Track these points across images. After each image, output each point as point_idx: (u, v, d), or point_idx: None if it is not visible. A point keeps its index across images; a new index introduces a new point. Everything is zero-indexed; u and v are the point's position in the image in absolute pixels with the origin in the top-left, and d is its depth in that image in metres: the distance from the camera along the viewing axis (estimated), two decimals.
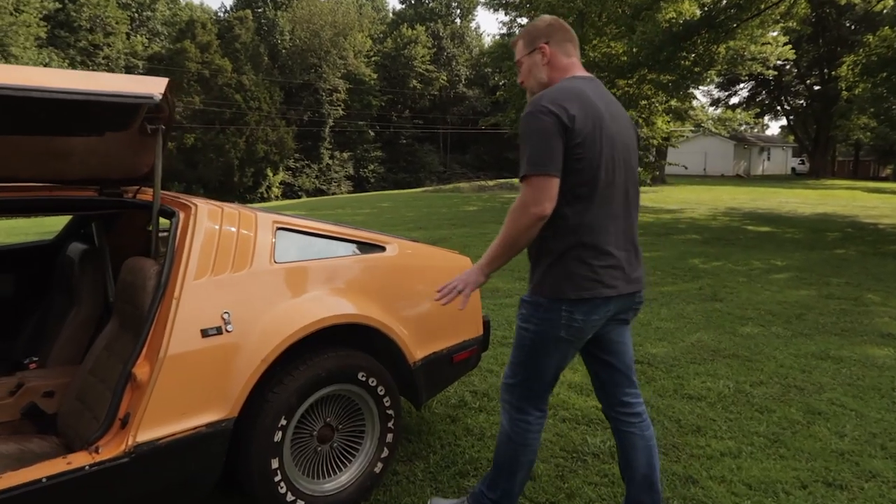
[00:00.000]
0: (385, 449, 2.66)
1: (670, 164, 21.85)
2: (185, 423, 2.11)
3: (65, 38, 38.26)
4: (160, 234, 2.58)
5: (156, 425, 2.05)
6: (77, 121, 1.81)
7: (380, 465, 2.65)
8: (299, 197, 41.62)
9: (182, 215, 2.35)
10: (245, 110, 39.49)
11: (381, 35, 54.85)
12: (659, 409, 3.59)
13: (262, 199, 39.77)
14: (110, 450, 2.00)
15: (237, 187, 39.48)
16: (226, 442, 2.19)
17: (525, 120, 2.05)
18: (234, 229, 2.38)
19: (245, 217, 2.44)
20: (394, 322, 2.64)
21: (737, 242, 10.89)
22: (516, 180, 2.81)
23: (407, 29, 52.33)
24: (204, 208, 2.37)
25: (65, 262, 2.99)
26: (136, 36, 43.56)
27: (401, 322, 2.67)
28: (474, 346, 3.11)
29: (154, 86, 1.83)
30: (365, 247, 2.72)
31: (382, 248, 2.76)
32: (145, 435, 2.03)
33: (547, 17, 2.30)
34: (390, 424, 2.66)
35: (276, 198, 41.22)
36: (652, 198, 21.14)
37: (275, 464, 2.33)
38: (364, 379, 2.53)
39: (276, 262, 2.40)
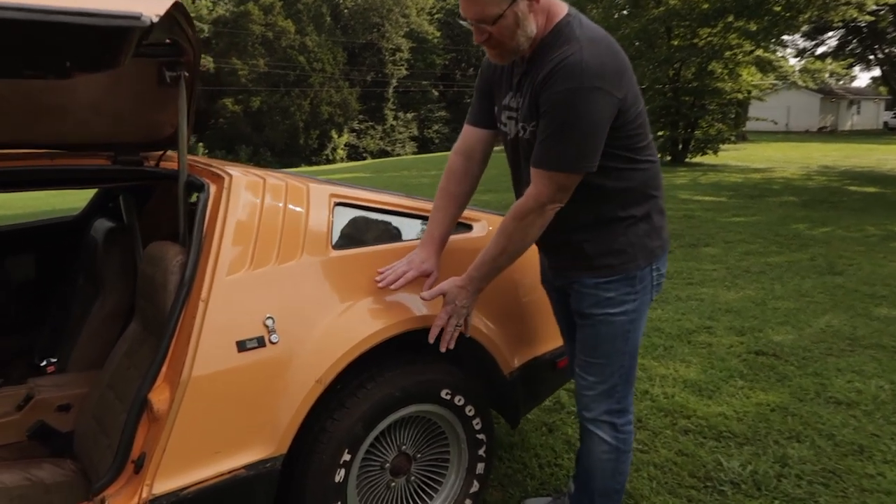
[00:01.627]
0: (475, 482, 2.10)
1: (757, 119, 20.23)
2: (218, 466, 1.59)
3: None
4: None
5: (179, 469, 1.54)
6: (25, 54, 1.26)
7: (468, 502, 2.10)
8: (364, 159, 41.37)
9: (213, 188, 1.80)
10: (309, 72, 39.27)
11: None
12: (804, 419, 2.91)
13: (328, 162, 39.71)
14: (120, 503, 1.51)
15: (303, 150, 39.51)
16: (272, 487, 1.67)
17: (572, 96, 1.56)
18: (280, 205, 1.82)
19: (294, 189, 1.88)
20: (485, 323, 2.05)
21: (841, 205, 9.81)
22: None
23: None
24: (241, 179, 1.82)
25: (89, 242, 2.52)
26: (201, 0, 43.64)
27: (494, 322, 2.09)
28: None
29: (148, 4, 1.25)
30: None
31: (468, 227, 2.16)
32: (166, 483, 1.52)
33: None
34: (481, 452, 2.10)
35: (342, 160, 41.07)
36: (735, 156, 19.79)
37: None
38: (448, 397, 1.97)
39: (334, 248, 1.84)
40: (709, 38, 16.55)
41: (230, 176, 1.82)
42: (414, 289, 1.90)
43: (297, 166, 32.12)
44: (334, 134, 41.53)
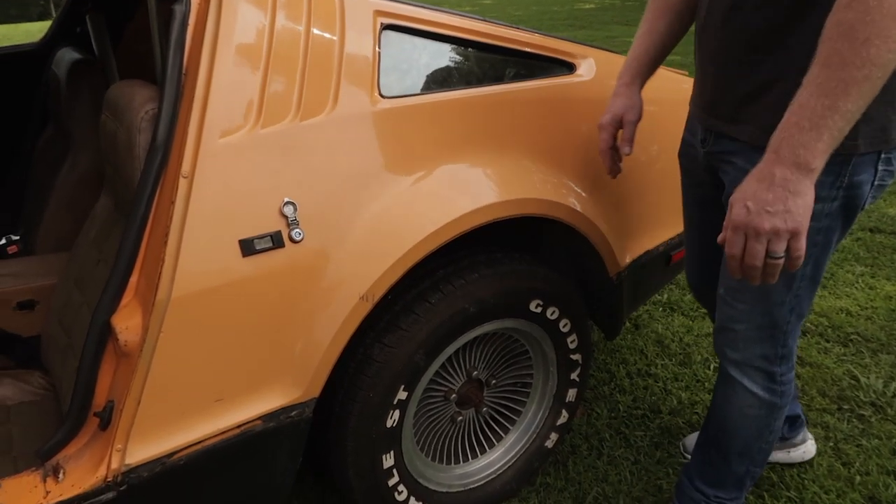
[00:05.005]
0: (563, 413, 1.62)
1: None
2: (221, 419, 1.09)
3: None
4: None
5: (164, 426, 1.05)
6: None
7: (553, 436, 1.62)
8: None
9: None
10: None
11: None
12: None
13: None
14: (81, 477, 1.03)
15: None
16: (300, 443, 1.18)
17: None
18: (299, 28, 1.18)
19: (320, 4, 1.23)
20: (593, 208, 1.46)
21: None
22: None
23: None
24: None
25: (49, 79, 1.91)
26: None
27: (603, 207, 1.49)
28: None
29: None
30: (541, 64, 1.47)
31: (570, 67, 1.51)
32: (145, 446, 1.04)
33: None
34: (574, 375, 1.59)
35: None
36: None
37: (388, 460, 1.33)
38: (539, 310, 1.42)
39: (383, 96, 1.22)
40: None
41: None
42: (499, 156, 1.30)
43: None
44: None
